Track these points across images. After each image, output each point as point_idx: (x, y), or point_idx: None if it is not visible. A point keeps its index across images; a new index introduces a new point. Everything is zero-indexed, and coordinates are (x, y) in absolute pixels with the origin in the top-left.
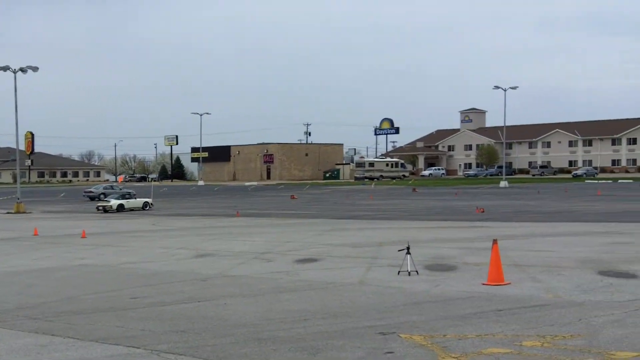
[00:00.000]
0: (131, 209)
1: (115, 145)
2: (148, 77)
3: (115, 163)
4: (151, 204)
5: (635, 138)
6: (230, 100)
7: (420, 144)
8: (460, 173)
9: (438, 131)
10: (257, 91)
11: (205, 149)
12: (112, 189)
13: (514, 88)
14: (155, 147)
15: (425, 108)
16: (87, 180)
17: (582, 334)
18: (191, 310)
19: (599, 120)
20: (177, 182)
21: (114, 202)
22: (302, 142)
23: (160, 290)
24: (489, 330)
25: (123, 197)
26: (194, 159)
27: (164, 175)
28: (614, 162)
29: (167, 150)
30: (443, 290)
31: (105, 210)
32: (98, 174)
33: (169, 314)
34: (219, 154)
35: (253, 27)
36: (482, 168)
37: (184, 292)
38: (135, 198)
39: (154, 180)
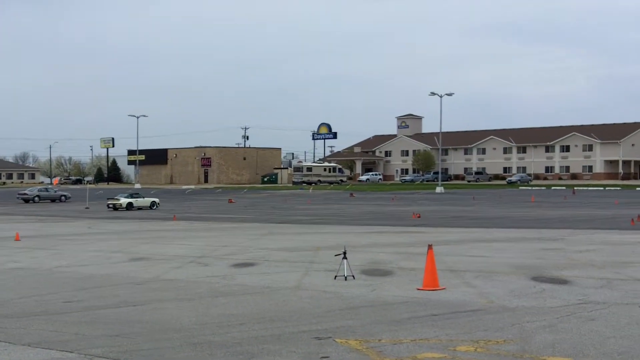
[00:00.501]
0: (139, 208)
1: (50, 147)
2: (84, 78)
3: (50, 165)
4: (158, 203)
5: (568, 145)
6: (169, 103)
7: (357, 149)
8: (397, 178)
9: (375, 136)
10: (196, 94)
11: (142, 152)
12: (47, 191)
13: (449, 94)
14: (91, 150)
15: (363, 114)
16: (22, 182)
17: (515, 339)
18: (126, 314)
19: (533, 128)
20: (114, 185)
21: (124, 201)
22: (240, 146)
23: (95, 294)
24: (423, 335)
25: (132, 196)
26: (130, 162)
27: (99, 178)
28: (547, 169)
29: (104, 152)
30: (379, 295)
31: (115, 208)
32: (33, 176)
33: (104, 318)
34: (156, 157)
35: (193, 30)
36: (418, 174)
37: (119, 296)
38: (144, 198)
39: (90, 183)
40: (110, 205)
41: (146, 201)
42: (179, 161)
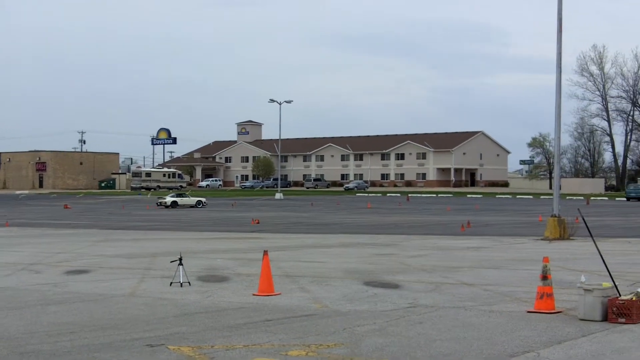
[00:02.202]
0: (184, 206)
1: None
2: None
3: None
4: (204, 202)
5: (403, 154)
6: (1, 106)
7: (197, 155)
8: (237, 184)
9: (215, 142)
10: (31, 98)
11: None
12: None
13: (289, 102)
14: None
15: (203, 119)
16: None
17: (346, 343)
18: None
19: (369, 136)
20: None
21: (169, 199)
22: (77, 150)
23: None
24: (257, 341)
25: (178, 195)
26: None
27: None
28: (383, 176)
29: None
30: (214, 301)
31: (165, 206)
32: None
33: None
34: None
35: (27, 33)
36: (258, 180)
37: None
38: (189, 197)
39: None
40: (160, 204)
41: (192, 200)
42: (12, 166)
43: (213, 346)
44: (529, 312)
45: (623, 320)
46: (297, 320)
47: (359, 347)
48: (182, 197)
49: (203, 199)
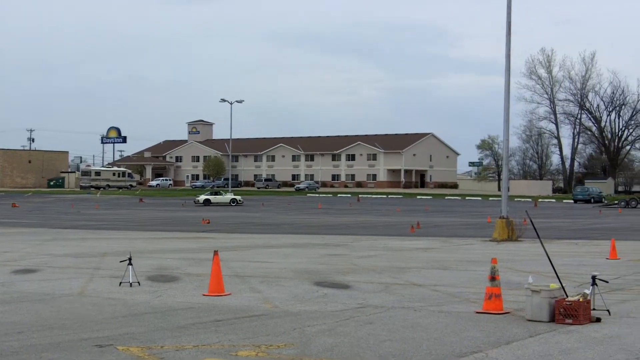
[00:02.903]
0: (217, 204)
1: None
2: None
3: None
4: (239, 200)
5: (354, 154)
6: None
7: (148, 154)
8: (187, 184)
9: (166, 142)
10: None
11: None
12: None
13: (240, 101)
14: None
15: (154, 118)
16: None
17: (296, 343)
18: None
19: (321, 137)
20: None
21: (201, 197)
22: (26, 148)
23: None
24: (206, 341)
25: (212, 193)
26: None
27: None
28: (334, 177)
29: None
30: (164, 301)
31: (202, 203)
32: None
33: None
34: None
35: None
36: (209, 180)
37: None
38: (223, 195)
39: None
40: (196, 201)
41: (225, 198)
42: None
43: (162, 346)
44: (477, 312)
45: (570, 321)
46: (247, 321)
47: (309, 348)
48: (217, 195)
49: (238, 197)
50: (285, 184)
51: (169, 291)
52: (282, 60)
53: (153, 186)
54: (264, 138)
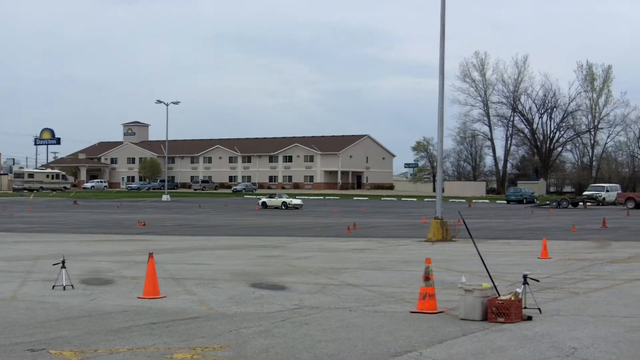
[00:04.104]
0: (275, 207)
1: None
2: None
3: None
4: (289, 204)
5: (291, 156)
6: None
7: (82, 156)
8: (123, 186)
9: (101, 143)
10: None
11: None
12: None
13: (176, 103)
14: None
15: (88, 120)
16: None
17: (231, 345)
18: None
19: (258, 138)
20: None
21: (260, 201)
22: None
23: None
24: (141, 344)
25: (269, 196)
26: None
27: None
28: (271, 178)
29: None
30: (98, 304)
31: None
32: None
33: None
34: None
35: None
36: (145, 182)
37: None
38: (276, 198)
39: None
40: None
41: (277, 201)
42: None
43: (96, 350)
44: (412, 312)
45: (502, 319)
46: (183, 323)
47: (245, 349)
48: (271, 198)
49: (287, 200)
50: (222, 185)
51: (103, 294)
52: (221, 62)
53: (88, 188)
54: (201, 139)
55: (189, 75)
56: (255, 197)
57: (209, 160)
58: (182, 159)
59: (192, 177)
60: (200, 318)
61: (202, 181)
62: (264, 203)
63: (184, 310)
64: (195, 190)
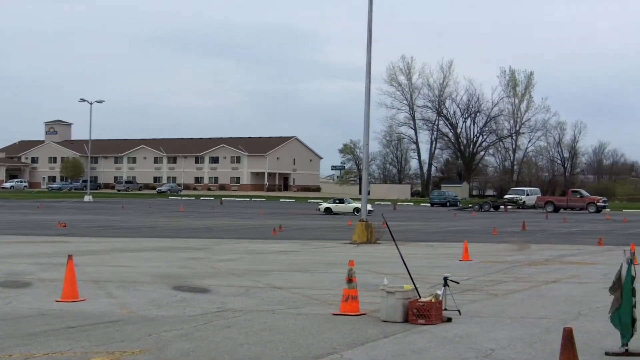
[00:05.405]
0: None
1: None
2: None
3: None
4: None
5: (217, 157)
6: None
7: (2, 155)
8: (44, 186)
9: (21, 142)
10: None
11: None
12: None
13: (100, 102)
14: None
15: (8, 118)
16: None
17: (151, 349)
18: None
19: (184, 139)
20: None
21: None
22: None
23: None
24: (58, 348)
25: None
26: None
27: None
28: (197, 179)
29: None
30: (14, 307)
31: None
32: None
33: None
34: None
35: None
36: (67, 182)
37: None
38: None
39: None
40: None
41: (348, 207)
42: None
43: (11, 355)
44: (334, 314)
45: (423, 321)
46: (102, 327)
47: (165, 353)
48: (340, 204)
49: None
50: (146, 186)
51: (20, 297)
52: (150, 61)
53: (7, 188)
54: (126, 139)
55: (116, 74)
56: (180, 197)
57: (134, 160)
58: (106, 159)
59: (115, 178)
60: (120, 321)
61: (126, 182)
62: (328, 209)
63: (104, 313)
64: (118, 191)
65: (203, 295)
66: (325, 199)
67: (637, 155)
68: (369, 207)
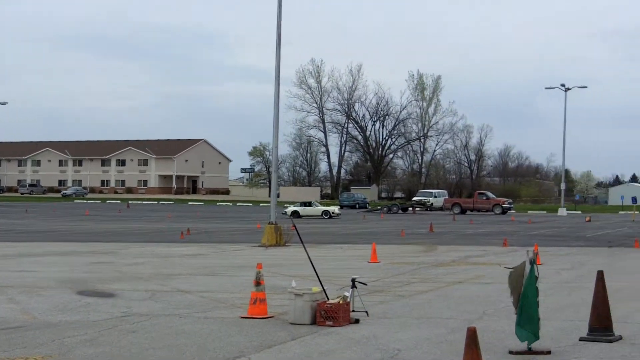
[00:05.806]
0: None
1: None
2: None
3: None
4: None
5: (124, 160)
6: None
7: None
8: None
9: None
10: None
11: None
12: None
13: (3, 103)
14: None
15: None
16: None
17: (54, 355)
18: None
19: (90, 141)
20: None
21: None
22: None
23: None
24: None
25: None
26: None
27: None
28: (103, 182)
29: None
30: None
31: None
32: None
33: None
34: None
35: None
36: None
37: None
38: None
39: None
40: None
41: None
42: None
43: None
44: (242, 317)
45: (330, 323)
46: (3, 333)
47: (68, 359)
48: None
49: (332, 209)
50: (51, 189)
51: None
52: (60, 62)
53: None
54: (30, 142)
55: (20, 74)
56: (85, 201)
57: (38, 163)
58: (9, 161)
59: (19, 181)
60: (22, 327)
61: (30, 185)
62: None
63: (5, 319)
64: (22, 194)
65: (108, 300)
66: (233, 202)
67: (541, 158)
68: (336, 209)
